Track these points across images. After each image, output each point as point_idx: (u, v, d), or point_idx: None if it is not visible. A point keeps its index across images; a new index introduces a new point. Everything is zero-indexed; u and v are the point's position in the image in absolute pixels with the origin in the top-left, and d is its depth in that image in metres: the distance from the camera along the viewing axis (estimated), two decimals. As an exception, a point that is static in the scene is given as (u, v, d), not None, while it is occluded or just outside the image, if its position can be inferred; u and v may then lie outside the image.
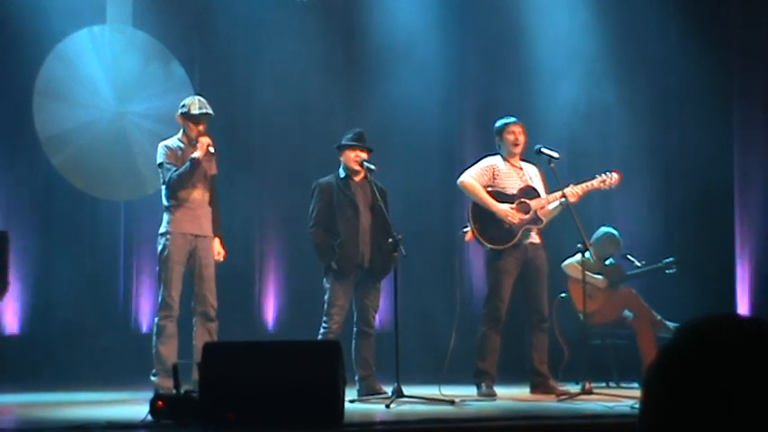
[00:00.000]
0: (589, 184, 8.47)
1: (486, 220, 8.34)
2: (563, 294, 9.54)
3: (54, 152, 10.82)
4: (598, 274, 9.50)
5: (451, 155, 11.59)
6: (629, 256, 9.76)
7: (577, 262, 8.86)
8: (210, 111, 8.28)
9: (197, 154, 8.08)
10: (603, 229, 9.70)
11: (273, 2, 11.40)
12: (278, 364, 5.93)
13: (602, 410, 6.81)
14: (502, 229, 8.32)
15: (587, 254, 8.23)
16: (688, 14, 11.10)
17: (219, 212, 8.42)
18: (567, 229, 8.61)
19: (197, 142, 8.16)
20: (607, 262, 9.66)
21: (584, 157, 10.76)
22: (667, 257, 9.72)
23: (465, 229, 8.48)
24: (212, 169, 8.33)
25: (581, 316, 8.81)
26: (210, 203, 8.30)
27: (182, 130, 8.30)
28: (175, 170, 8.09)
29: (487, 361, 8.29)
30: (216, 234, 8.31)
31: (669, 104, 11.40)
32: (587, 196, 8.56)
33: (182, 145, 8.25)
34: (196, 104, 8.27)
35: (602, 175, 8.50)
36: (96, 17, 11.11)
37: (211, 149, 8.17)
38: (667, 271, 9.65)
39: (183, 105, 8.31)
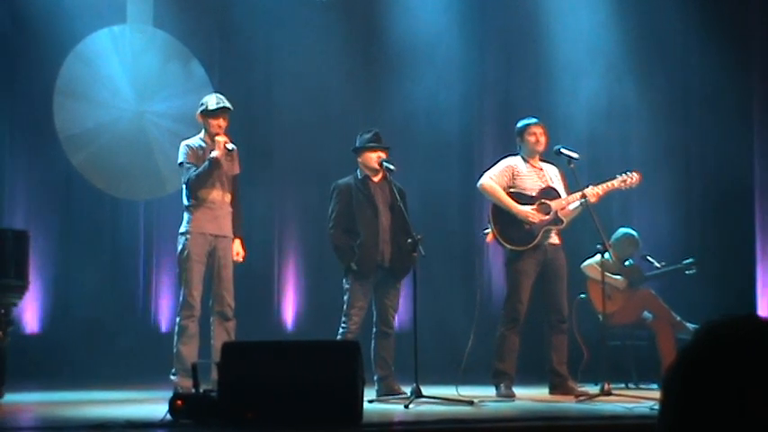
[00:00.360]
0: (609, 184, 8.45)
1: (506, 222, 8.33)
2: (582, 295, 9.52)
3: (74, 151, 10.86)
4: (617, 275, 9.48)
5: (471, 154, 11.59)
6: (648, 257, 9.73)
7: (596, 263, 8.84)
8: (228, 104, 8.27)
9: (215, 153, 8.08)
10: (622, 230, 9.68)
11: (293, 1, 11.42)
12: (297, 363, 5.93)
13: (622, 411, 6.78)
14: (522, 231, 8.30)
15: (606, 255, 8.21)
16: (708, 12, 11.06)
17: (241, 213, 8.41)
18: (586, 230, 8.59)
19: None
20: (626, 263, 9.64)
21: (603, 156, 10.74)
22: (687, 258, 9.69)
23: (486, 231, 8.47)
24: (234, 169, 8.31)
25: (600, 317, 8.79)
26: (232, 204, 8.29)
27: (204, 130, 8.29)
28: (194, 170, 8.09)
29: (506, 362, 8.27)
30: (236, 235, 8.31)
31: (689, 103, 11.36)
32: (607, 197, 8.54)
33: (203, 144, 8.23)
34: (213, 100, 8.27)
35: (623, 175, 8.47)
36: (117, 17, 11.16)
37: (230, 147, 8.15)
38: (687, 272, 9.61)
39: (202, 104, 8.30)
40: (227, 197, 8.24)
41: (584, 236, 8.84)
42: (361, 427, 5.81)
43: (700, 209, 11.18)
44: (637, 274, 9.61)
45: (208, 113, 8.21)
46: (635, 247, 9.66)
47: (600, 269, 8.38)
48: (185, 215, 8.17)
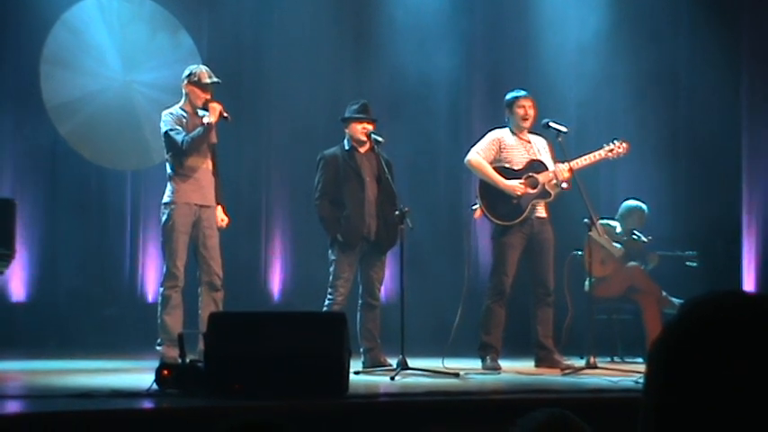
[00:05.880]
0: (597, 154, 8.45)
1: (494, 198, 8.33)
2: (578, 252, 9.45)
3: (61, 121, 10.81)
4: (619, 243, 9.46)
5: (459, 127, 11.56)
6: (635, 232, 9.74)
7: (603, 224, 8.80)
8: (219, 80, 8.27)
9: (211, 119, 8.04)
10: (633, 203, 9.63)
11: (282, -29, 11.36)
12: (283, 334, 5.94)
13: (607, 385, 6.83)
14: (510, 206, 8.30)
15: (615, 223, 8.20)
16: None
17: (221, 181, 8.41)
18: (577, 202, 8.57)
19: (205, 110, 8.11)
20: (634, 237, 9.61)
21: (591, 129, 10.72)
22: (689, 250, 9.77)
23: (474, 207, 8.47)
24: (213, 138, 8.30)
25: (587, 283, 8.79)
26: (213, 173, 8.28)
27: (184, 99, 8.25)
28: (186, 134, 8.04)
29: (492, 334, 8.29)
30: (218, 202, 8.31)
31: (677, 75, 11.33)
32: (594, 170, 8.54)
33: (184, 113, 8.20)
34: (206, 74, 8.22)
35: (610, 144, 8.48)
36: (104, -15, 11.09)
37: (225, 115, 8.12)
38: (688, 263, 9.67)
39: (192, 74, 8.24)
40: (210, 166, 8.23)
41: (574, 208, 8.82)
42: (346, 399, 5.83)
43: (687, 183, 11.17)
44: (636, 250, 9.58)
45: (201, 86, 8.16)
46: (640, 221, 9.63)
47: (602, 231, 8.38)
48: (169, 185, 8.14)
